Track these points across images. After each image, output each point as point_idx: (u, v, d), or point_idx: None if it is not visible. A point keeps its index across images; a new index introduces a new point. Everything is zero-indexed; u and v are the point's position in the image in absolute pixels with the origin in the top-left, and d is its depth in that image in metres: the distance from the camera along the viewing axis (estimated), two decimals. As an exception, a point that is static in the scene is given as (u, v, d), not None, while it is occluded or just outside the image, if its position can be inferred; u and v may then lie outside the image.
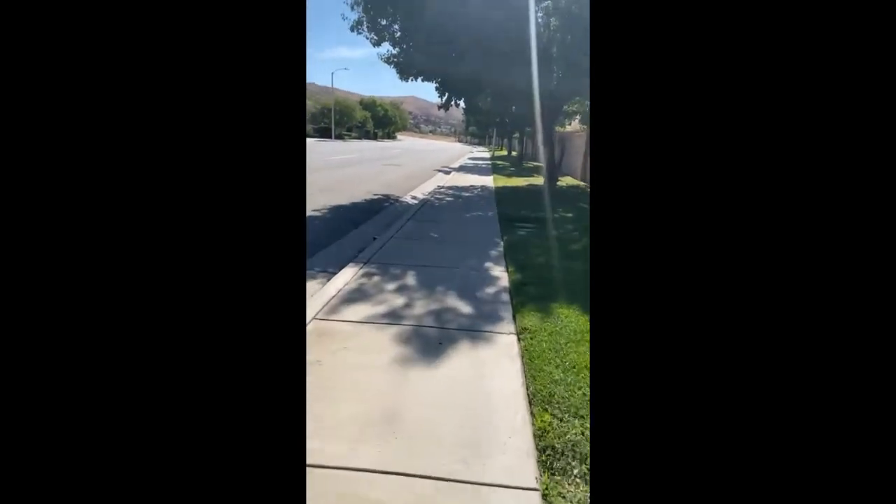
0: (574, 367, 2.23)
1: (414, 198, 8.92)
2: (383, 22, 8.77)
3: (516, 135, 34.66)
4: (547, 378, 2.13)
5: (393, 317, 2.80)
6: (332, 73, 46.71)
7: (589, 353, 2.37)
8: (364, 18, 8.80)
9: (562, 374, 2.16)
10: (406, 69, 9.88)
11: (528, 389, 2.05)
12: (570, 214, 7.31)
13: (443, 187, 10.61)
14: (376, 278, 3.51)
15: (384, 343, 2.45)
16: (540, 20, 8.97)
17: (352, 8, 8.81)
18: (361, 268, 3.78)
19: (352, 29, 8.93)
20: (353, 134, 55.98)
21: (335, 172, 13.00)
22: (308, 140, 32.83)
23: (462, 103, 13.05)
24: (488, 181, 12.79)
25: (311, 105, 48.60)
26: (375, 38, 8.95)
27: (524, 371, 2.21)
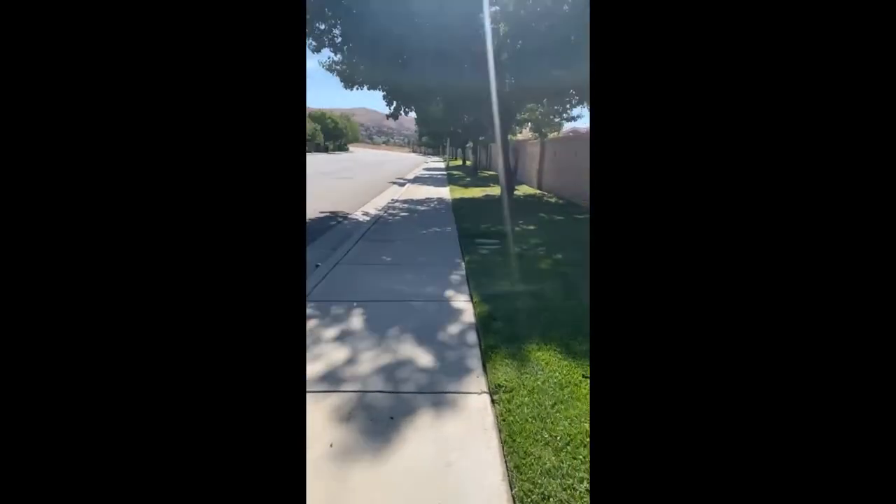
0: (569, 444, 1.71)
1: (366, 214, 8.27)
2: (321, 27, 8.12)
3: (470, 144, 34.78)
4: (536, 465, 1.60)
5: (331, 381, 2.18)
6: (278, 85, 44.93)
7: (588, 418, 1.87)
8: (301, 23, 8.13)
9: (554, 458, 1.64)
10: (349, 77, 9.27)
11: (512, 488, 1.51)
12: (532, 227, 6.94)
13: (397, 201, 10.02)
14: (313, 323, 2.87)
15: (317, 424, 1.83)
16: (491, 26, 8.68)
17: None
18: (297, 308, 3.12)
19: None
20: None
21: (280, 189, 12.09)
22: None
23: (413, 113, 12.90)
24: (444, 193, 12.35)
25: (256, 118, 46.37)
26: (314, 43, 8.28)
27: (504, 454, 1.67)
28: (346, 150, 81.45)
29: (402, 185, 15.35)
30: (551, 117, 14.02)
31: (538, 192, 12.66)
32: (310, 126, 62.42)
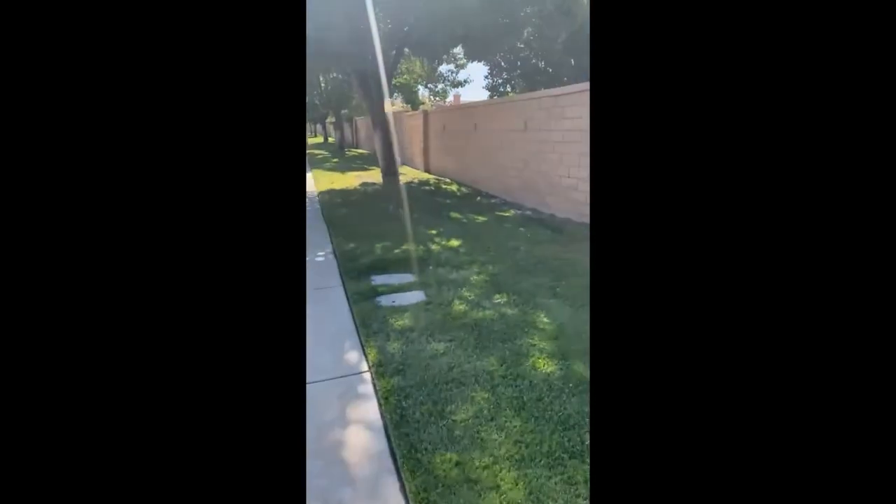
0: None
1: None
2: None
3: (330, 119, 30.64)
4: None
5: None
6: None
7: None
8: None
9: None
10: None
11: None
12: (454, 239, 4.50)
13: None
14: None
15: None
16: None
17: None
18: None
19: None
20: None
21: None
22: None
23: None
24: (307, 181, 9.22)
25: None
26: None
27: None
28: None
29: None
30: (432, 84, 11.65)
31: (429, 175, 10.32)
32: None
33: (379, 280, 3.25)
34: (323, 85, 19.27)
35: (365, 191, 7.66)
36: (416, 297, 2.94)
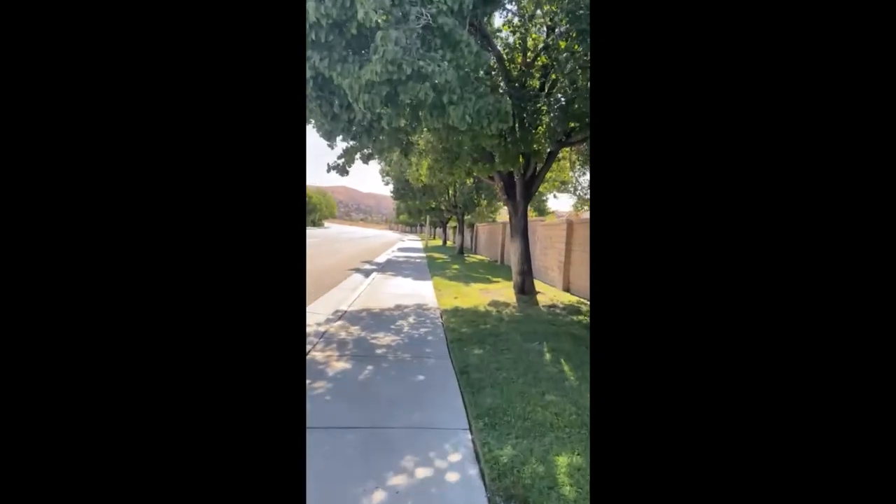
0: None
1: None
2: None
3: (451, 223, 31.38)
4: None
5: None
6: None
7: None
8: None
9: None
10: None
11: None
12: None
13: (344, 314, 5.57)
14: None
15: None
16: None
17: None
18: None
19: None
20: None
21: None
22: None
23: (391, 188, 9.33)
24: (426, 292, 7.99)
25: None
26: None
27: None
28: (320, 225, 79.17)
29: (366, 274, 10.98)
30: (580, 191, 10.29)
31: (571, 298, 8.42)
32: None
33: None
34: (451, 192, 19.48)
35: (500, 316, 6.01)
36: None
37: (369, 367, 3.63)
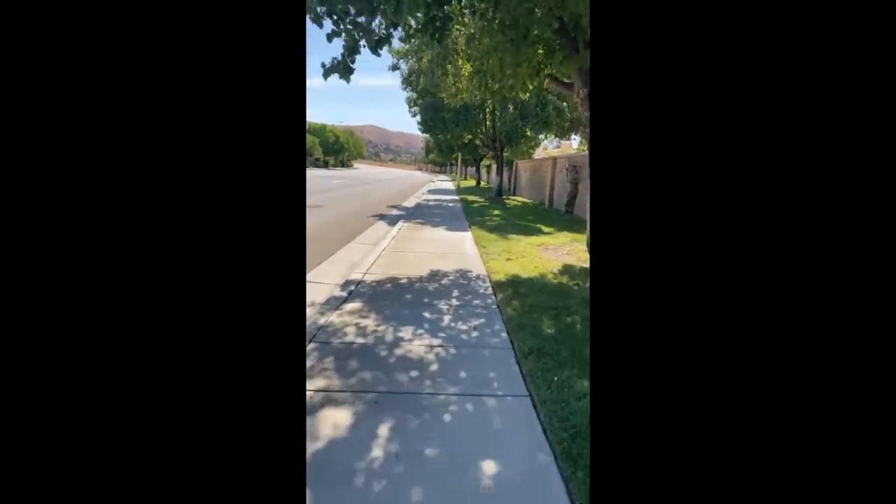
0: None
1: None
2: None
3: (486, 162, 28.66)
4: None
5: None
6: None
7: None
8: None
9: None
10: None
11: None
12: None
13: (359, 284, 3.81)
14: None
15: None
16: None
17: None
18: None
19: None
20: (297, 161, 49.34)
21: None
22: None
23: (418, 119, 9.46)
24: (467, 248, 6.11)
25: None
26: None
27: None
28: (349, 166, 77.46)
29: (392, 222, 9.16)
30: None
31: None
32: (308, 139, 57.72)
33: None
34: (489, 123, 16.88)
35: (581, 292, 4.07)
36: None
37: (387, 427, 1.85)
